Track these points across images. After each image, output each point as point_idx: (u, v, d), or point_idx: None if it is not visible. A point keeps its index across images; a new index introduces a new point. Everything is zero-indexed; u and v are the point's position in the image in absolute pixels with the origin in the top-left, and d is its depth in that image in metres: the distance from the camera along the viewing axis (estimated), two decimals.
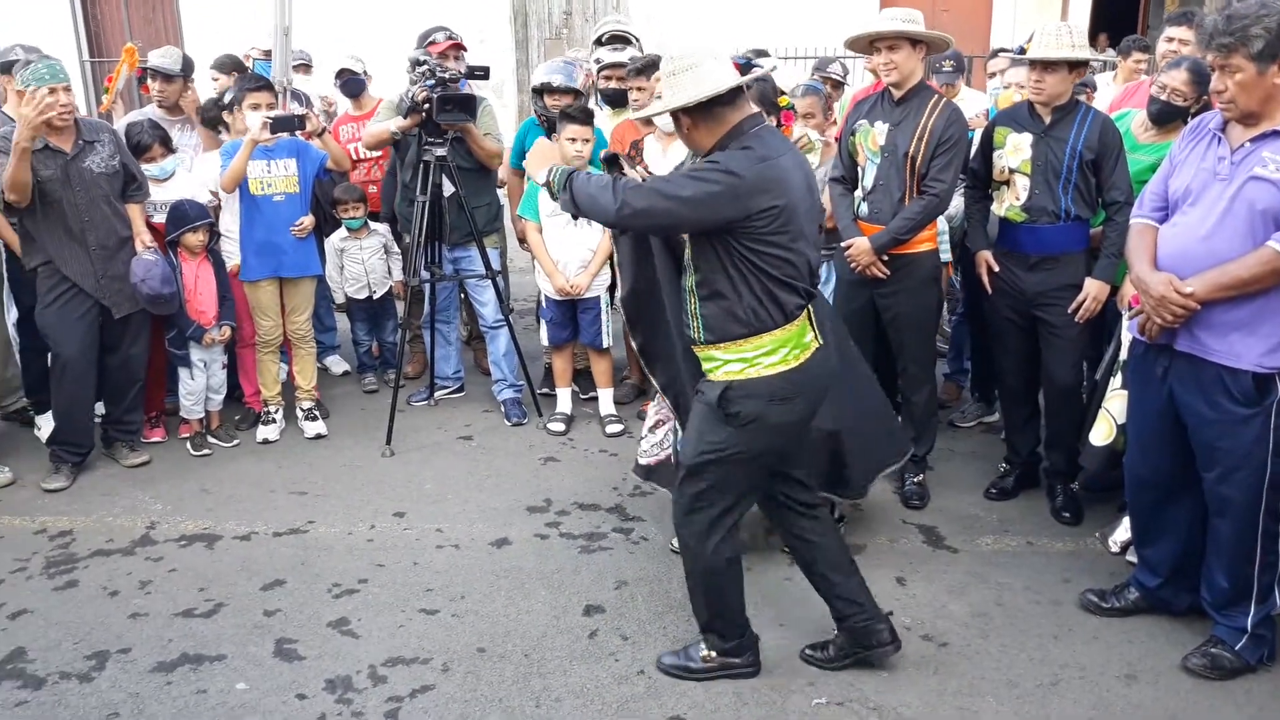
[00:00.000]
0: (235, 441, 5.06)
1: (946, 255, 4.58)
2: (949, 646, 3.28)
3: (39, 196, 4.35)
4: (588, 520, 4.15)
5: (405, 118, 4.92)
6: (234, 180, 4.85)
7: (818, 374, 2.86)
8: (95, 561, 3.91)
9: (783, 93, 4.32)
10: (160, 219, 4.89)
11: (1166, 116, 4.03)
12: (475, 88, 5.28)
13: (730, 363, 2.79)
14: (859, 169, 4.15)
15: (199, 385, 4.98)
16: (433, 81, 4.81)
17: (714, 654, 3.09)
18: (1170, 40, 4.85)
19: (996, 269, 4.05)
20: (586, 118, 4.79)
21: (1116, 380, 3.64)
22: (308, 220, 5.03)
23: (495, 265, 5.29)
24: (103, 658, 3.27)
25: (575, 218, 2.98)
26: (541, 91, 5.21)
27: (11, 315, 5.12)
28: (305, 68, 7.16)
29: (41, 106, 4.07)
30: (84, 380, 4.62)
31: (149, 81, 5.21)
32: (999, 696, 3.03)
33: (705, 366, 2.89)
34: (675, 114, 2.76)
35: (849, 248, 4.07)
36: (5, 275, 5.02)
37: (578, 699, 3.03)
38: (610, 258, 5.08)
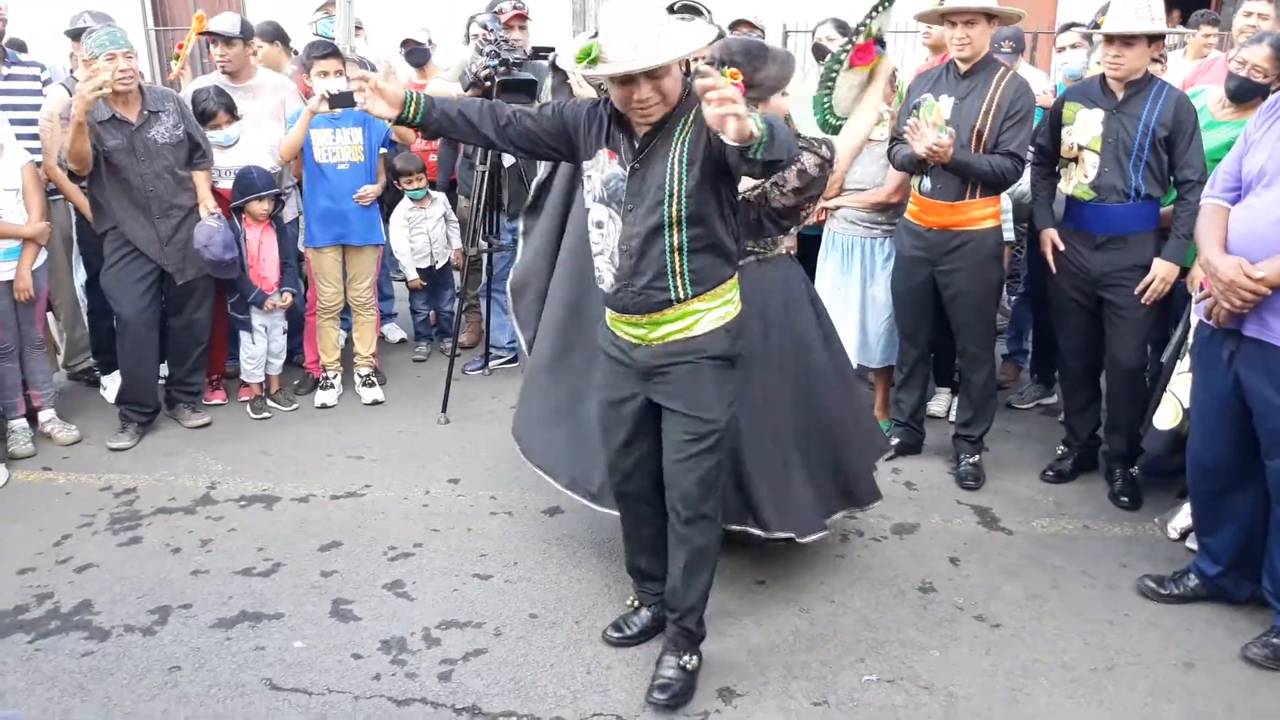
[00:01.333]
0: (294, 406, 5.14)
1: (1010, 234, 4.50)
2: (1002, 628, 3.25)
3: (105, 166, 4.44)
4: None
5: (466, 90, 4.92)
6: (292, 150, 4.92)
7: None
8: (158, 519, 4.01)
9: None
10: (225, 184, 4.96)
11: (1245, 93, 3.90)
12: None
13: (715, 309, 2.72)
14: None
15: (260, 350, 5.07)
16: (496, 61, 4.81)
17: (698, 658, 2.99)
18: (1249, 15, 4.71)
19: (1062, 248, 3.97)
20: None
21: (1184, 363, 3.55)
22: (371, 189, 5.08)
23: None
24: (165, 612, 3.36)
25: (768, 171, 2.54)
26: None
27: (80, 277, 5.25)
28: (356, 29, 7.18)
29: (97, 81, 4.15)
30: (145, 342, 4.72)
31: (211, 48, 5.27)
32: (1052, 679, 2.99)
33: (676, 326, 2.72)
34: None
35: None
36: (75, 238, 5.14)
37: (628, 667, 3.05)
38: None
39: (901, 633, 3.22)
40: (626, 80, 2.50)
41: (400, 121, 2.77)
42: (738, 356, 2.80)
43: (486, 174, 4.91)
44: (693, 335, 2.72)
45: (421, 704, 2.91)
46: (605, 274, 2.78)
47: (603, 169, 2.72)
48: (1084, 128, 3.84)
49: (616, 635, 3.17)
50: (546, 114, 2.81)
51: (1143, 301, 3.80)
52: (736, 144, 2.24)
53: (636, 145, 2.65)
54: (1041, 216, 4.09)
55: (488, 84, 4.80)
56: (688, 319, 2.71)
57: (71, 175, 4.48)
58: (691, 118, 2.59)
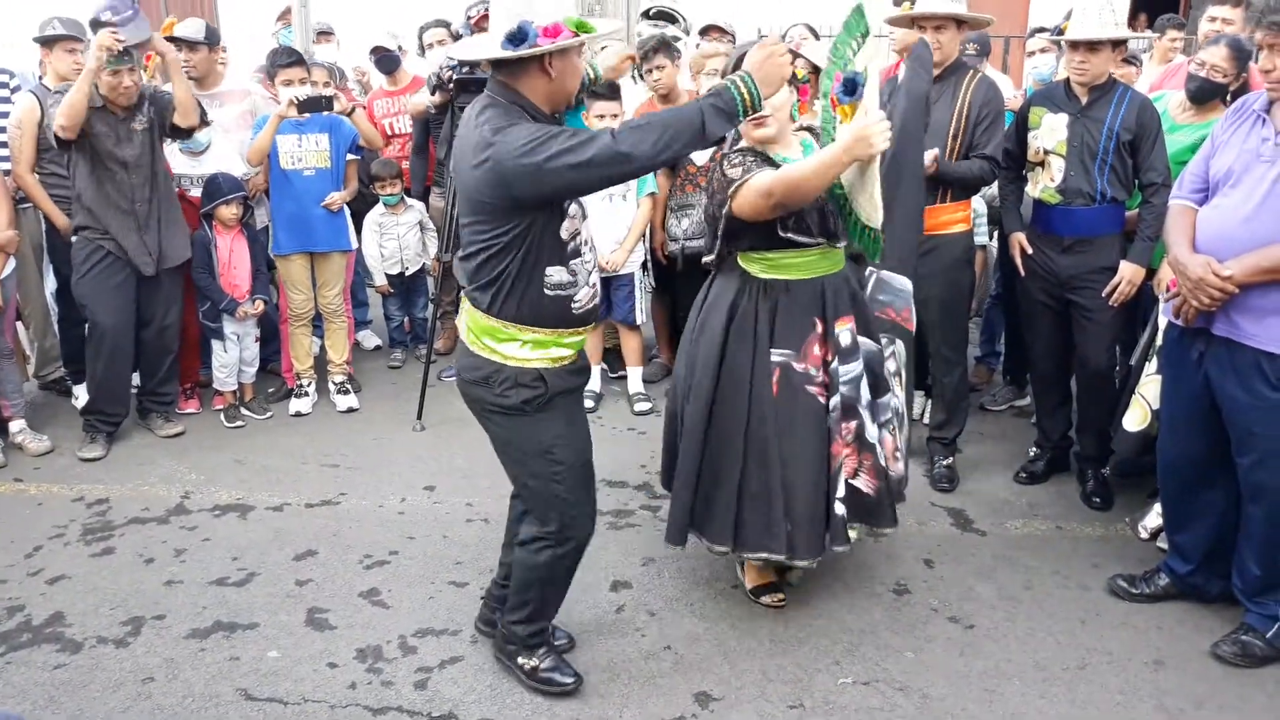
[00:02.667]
0: (268, 414, 5.12)
1: (981, 239, 4.54)
2: (976, 629, 3.28)
3: (91, 155, 4.44)
4: (615, 497, 4.17)
5: (433, 94, 4.93)
6: (259, 154, 4.90)
7: None
8: (131, 529, 3.98)
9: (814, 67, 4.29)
10: (196, 193, 4.93)
11: (1205, 94, 3.96)
12: None
13: None
14: None
15: (232, 358, 5.04)
16: (455, 62, 4.81)
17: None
18: (1213, 20, 4.77)
19: (1030, 251, 4.02)
20: (612, 93, 4.78)
21: (1151, 365, 3.60)
22: (339, 195, 5.06)
23: None
24: (138, 623, 3.34)
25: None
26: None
27: (50, 285, 5.21)
28: (326, 35, 7.17)
29: (106, 42, 4.23)
30: (121, 348, 4.70)
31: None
32: (1025, 679, 3.02)
33: None
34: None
35: None
36: (46, 246, 5.10)
37: (604, 673, 3.06)
38: (643, 234, 5.08)
39: (876, 635, 3.24)
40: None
41: None
42: None
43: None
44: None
45: (398, 712, 2.90)
46: (598, 288, 2.77)
47: None
48: (1050, 132, 3.89)
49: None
50: None
51: (1110, 304, 3.85)
52: None
53: None
54: (1010, 220, 4.14)
55: (450, 86, 4.81)
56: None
57: (57, 141, 4.44)
58: None
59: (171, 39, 5.11)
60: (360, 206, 5.53)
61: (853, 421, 3.12)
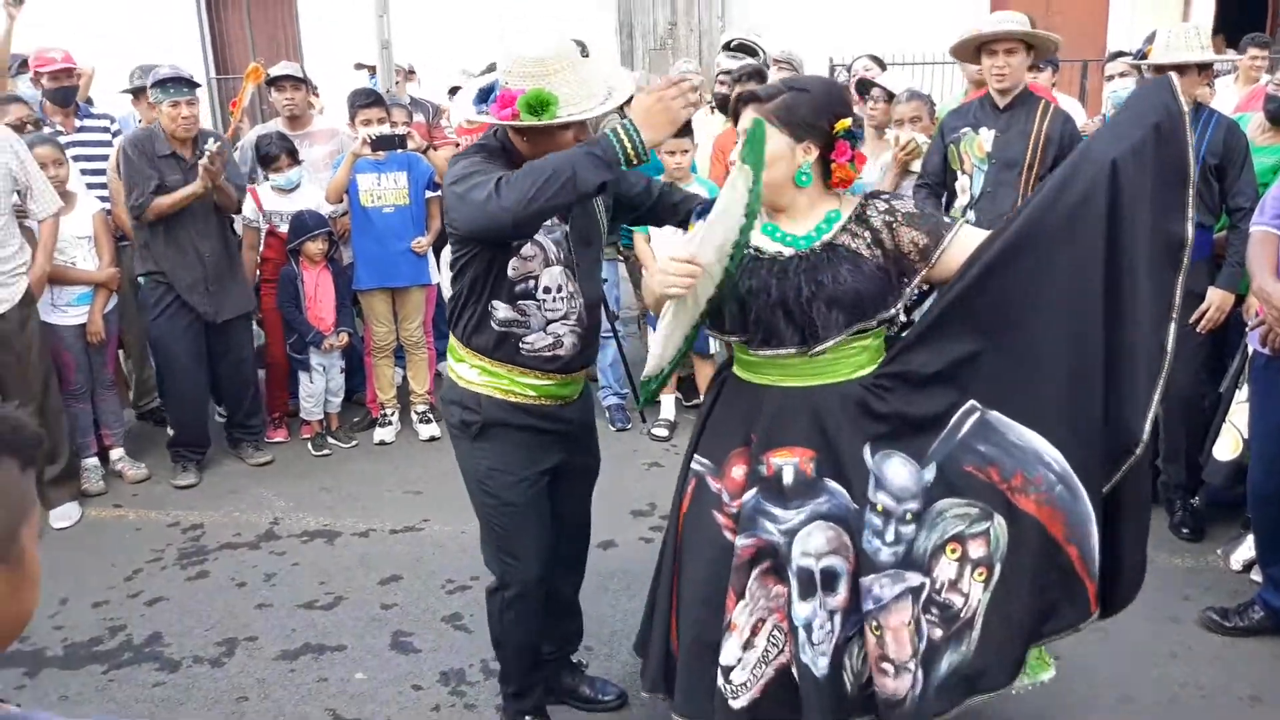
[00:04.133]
0: (354, 443, 5.26)
1: None
2: (1062, 660, 3.21)
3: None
4: None
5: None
6: (336, 192, 5.07)
7: None
8: (224, 554, 4.12)
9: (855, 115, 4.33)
10: (284, 229, 5.12)
11: None
12: None
13: None
14: (962, 177, 4.10)
15: (318, 388, 5.20)
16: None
17: None
18: None
19: None
20: (684, 130, 4.84)
21: (1242, 393, 3.52)
22: (424, 240, 5.21)
23: (607, 277, 5.32)
24: (232, 644, 3.45)
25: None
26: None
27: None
28: (410, 73, 7.38)
29: (214, 169, 4.43)
30: (195, 387, 4.89)
31: (273, 93, 5.46)
32: (1114, 712, 2.96)
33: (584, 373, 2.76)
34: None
35: None
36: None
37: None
38: None
39: None
40: (580, 124, 2.41)
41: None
42: None
43: None
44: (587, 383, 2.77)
45: None
46: (567, 339, 2.59)
47: (549, 229, 2.50)
48: None
49: None
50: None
51: (1197, 330, 3.77)
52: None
53: None
54: None
55: None
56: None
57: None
58: None
59: (272, 81, 5.33)
60: (443, 241, 5.68)
61: (779, 586, 2.36)
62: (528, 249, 2.50)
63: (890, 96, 4.94)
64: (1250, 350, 3.29)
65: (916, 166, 4.38)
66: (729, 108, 5.49)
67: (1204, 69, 3.73)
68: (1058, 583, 2.32)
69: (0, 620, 0.93)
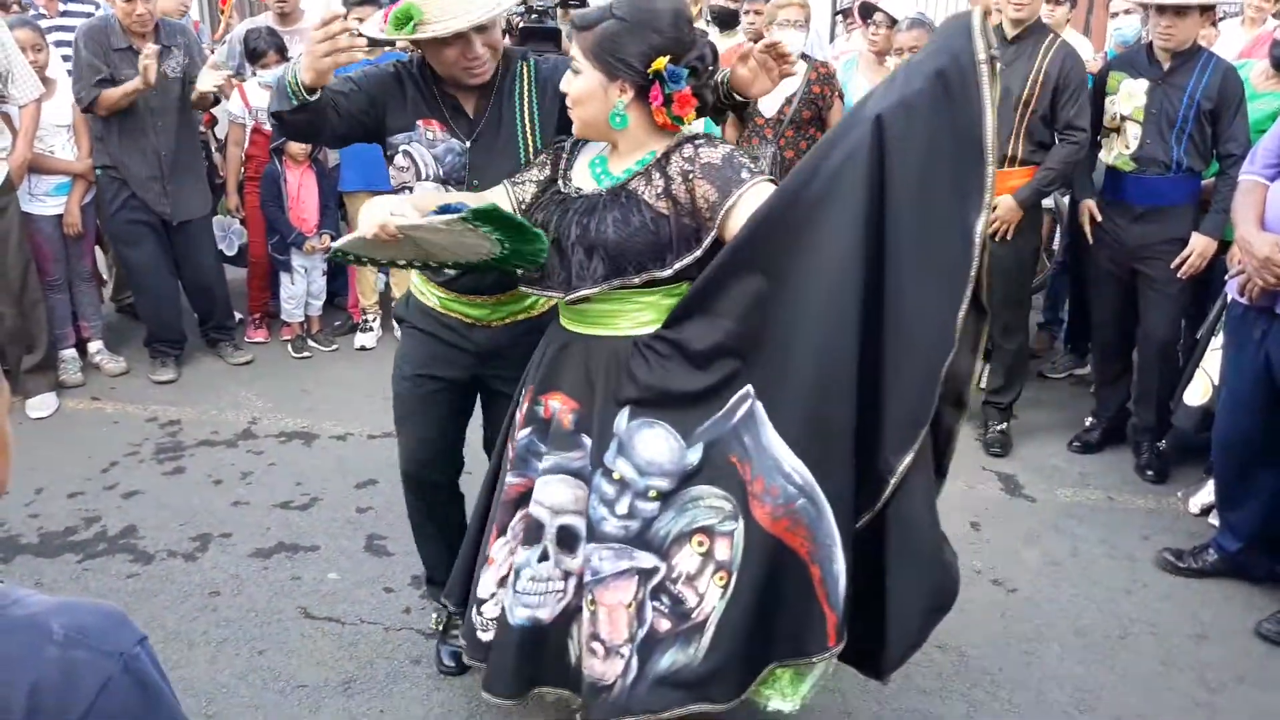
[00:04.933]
0: (334, 346, 5.26)
1: (1048, 203, 4.48)
2: (1018, 593, 3.30)
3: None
4: None
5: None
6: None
7: None
8: (201, 451, 4.14)
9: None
10: (269, 127, 5.03)
11: None
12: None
13: None
14: None
15: (299, 290, 5.17)
16: (523, 8, 4.82)
17: None
18: None
19: (1100, 219, 3.96)
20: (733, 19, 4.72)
21: (1218, 339, 3.55)
22: None
23: None
24: (206, 540, 3.49)
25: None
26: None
27: None
28: None
29: (151, 75, 4.30)
30: (160, 284, 4.85)
31: None
32: (1065, 644, 3.05)
33: (521, 306, 2.57)
34: None
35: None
36: None
37: None
38: None
39: None
40: (457, 37, 2.26)
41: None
42: None
43: None
44: (534, 315, 2.56)
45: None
46: None
47: (430, 143, 2.42)
48: (1128, 98, 3.81)
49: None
50: (350, 88, 2.43)
51: (1179, 275, 3.79)
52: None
53: (471, 113, 2.40)
54: (1081, 186, 4.08)
55: (517, 31, 4.81)
56: (530, 298, 2.51)
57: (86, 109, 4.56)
58: (529, 75, 2.43)
59: None
60: None
61: (522, 524, 2.28)
62: (399, 159, 2.43)
63: (893, 22, 4.85)
64: (1229, 298, 3.31)
65: None
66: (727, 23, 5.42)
67: (1206, 10, 3.68)
68: (797, 605, 2.07)
69: None
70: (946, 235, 1.88)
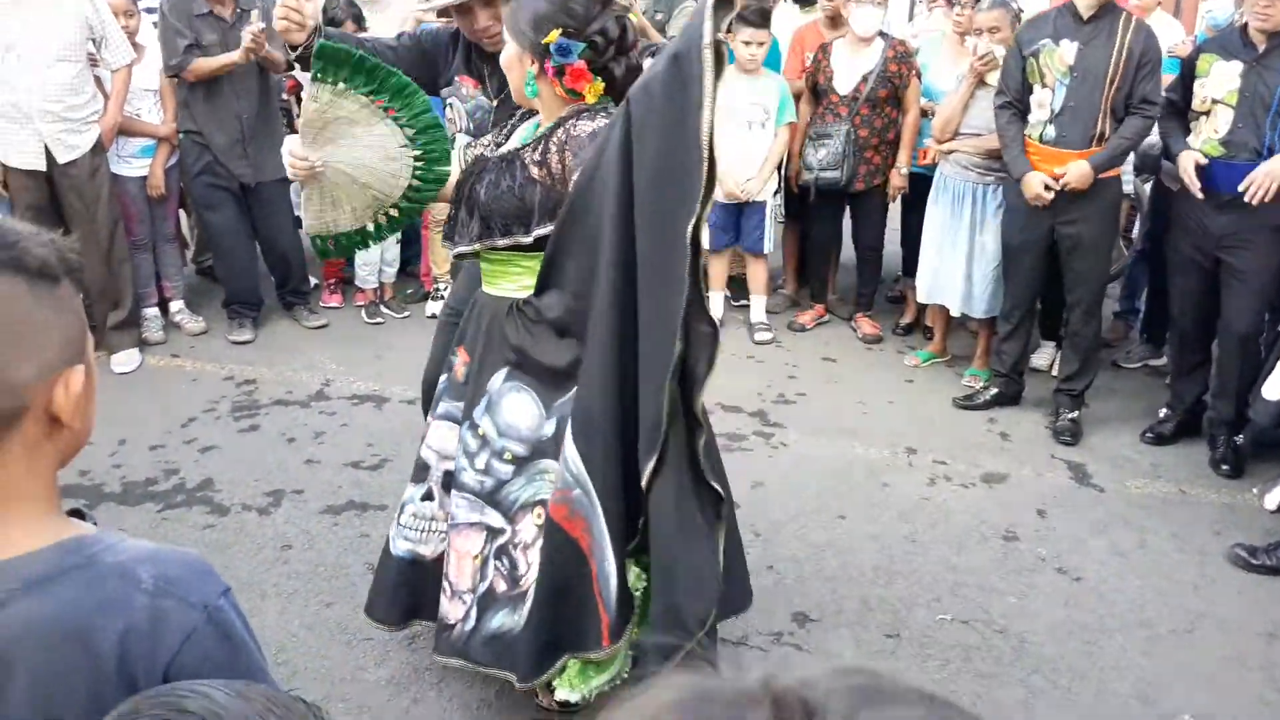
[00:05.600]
0: (406, 314, 5.35)
1: (1128, 186, 4.39)
2: (1083, 582, 3.26)
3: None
4: (730, 421, 4.25)
5: None
6: None
7: None
8: (276, 410, 4.26)
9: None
10: None
11: None
12: None
13: None
14: (1041, 91, 3.97)
15: (373, 257, 5.26)
16: None
17: None
18: None
19: (1204, 162, 3.73)
20: (762, 20, 4.72)
21: None
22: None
23: None
24: (279, 496, 3.59)
25: None
26: None
27: None
28: None
29: (253, 47, 4.35)
30: (238, 246, 4.97)
31: None
32: (1129, 635, 3.00)
33: None
34: None
35: (1062, 175, 3.87)
36: None
37: None
38: (780, 164, 5.07)
39: (980, 577, 3.25)
40: (462, 11, 2.42)
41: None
42: None
43: None
44: None
45: None
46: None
47: (464, 99, 2.58)
48: (1219, 80, 3.69)
49: None
50: (405, 42, 2.69)
51: (1248, 201, 3.55)
52: None
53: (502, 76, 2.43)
54: (1177, 143, 3.85)
55: None
56: None
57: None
58: None
59: None
60: None
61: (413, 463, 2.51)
62: (447, 110, 2.61)
63: (976, 1, 4.76)
64: None
65: (992, 80, 4.25)
66: None
67: None
68: (581, 598, 2.12)
69: (81, 426, 1.00)
70: (668, 233, 1.84)
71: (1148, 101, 3.83)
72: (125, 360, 4.61)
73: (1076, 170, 3.85)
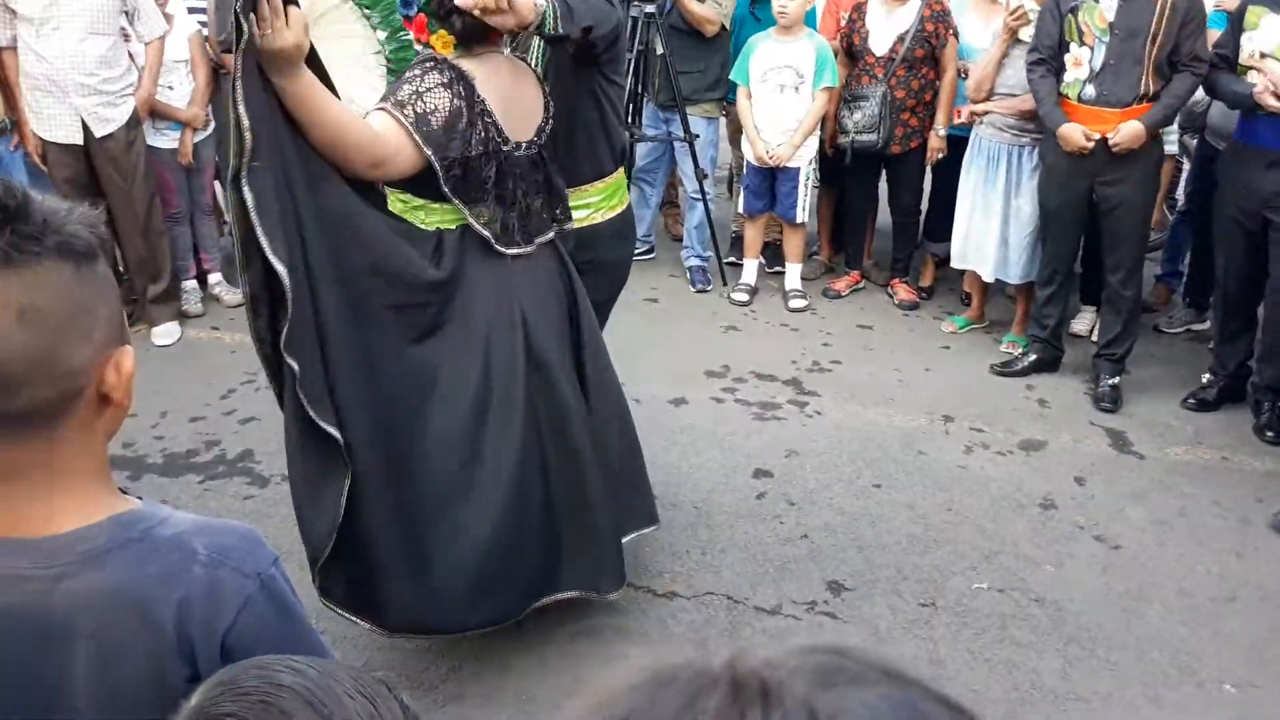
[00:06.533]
0: None
1: (1171, 148, 4.29)
2: (1122, 550, 3.23)
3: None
4: (764, 390, 4.23)
5: None
6: None
7: None
8: None
9: None
10: None
11: None
12: None
13: None
14: (1079, 49, 3.88)
15: None
16: None
17: None
18: None
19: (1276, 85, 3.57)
20: None
21: None
22: None
23: (700, 134, 5.13)
24: None
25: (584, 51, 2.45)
26: None
27: None
28: None
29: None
30: None
31: None
32: (1168, 604, 2.97)
33: None
34: None
35: (1114, 134, 3.80)
36: None
37: (742, 553, 3.17)
38: (818, 127, 4.99)
39: (1017, 545, 3.23)
40: None
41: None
42: None
43: (632, 62, 4.88)
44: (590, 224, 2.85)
45: None
46: None
47: None
48: (1269, 34, 3.59)
49: None
50: None
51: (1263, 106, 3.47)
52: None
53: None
54: (1232, 81, 3.71)
55: None
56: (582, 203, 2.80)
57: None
58: (551, 18, 2.43)
59: None
60: None
61: None
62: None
63: None
64: None
65: (1025, 35, 4.16)
66: None
67: None
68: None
69: (122, 395, 1.01)
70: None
71: (1197, 59, 3.73)
72: (165, 333, 4.66)
73: (1130, 130, 3.77)
